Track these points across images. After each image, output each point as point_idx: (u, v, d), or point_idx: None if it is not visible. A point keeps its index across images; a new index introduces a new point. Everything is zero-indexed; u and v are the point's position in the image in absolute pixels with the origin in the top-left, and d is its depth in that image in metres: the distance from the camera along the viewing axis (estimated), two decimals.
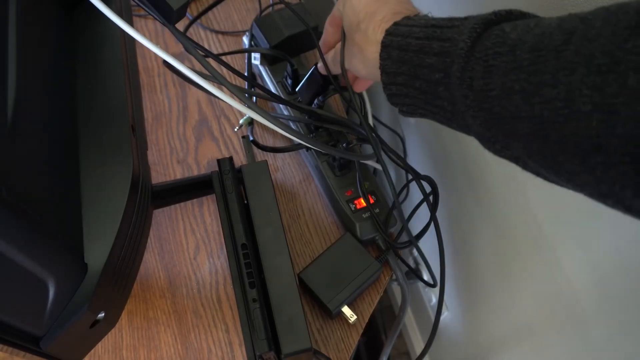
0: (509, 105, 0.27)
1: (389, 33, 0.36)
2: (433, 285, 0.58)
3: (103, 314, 0.39)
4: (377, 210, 0.58)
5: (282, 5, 0.71)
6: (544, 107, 0.24)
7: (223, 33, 0.78)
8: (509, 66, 0.26)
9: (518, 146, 0.28)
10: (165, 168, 0.66)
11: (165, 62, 0.40)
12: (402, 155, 0.77)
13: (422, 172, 0.55)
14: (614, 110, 0.21)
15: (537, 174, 0.28)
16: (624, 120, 0.21)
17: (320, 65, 0.53)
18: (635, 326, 0.41)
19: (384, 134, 0.84)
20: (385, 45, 0.36)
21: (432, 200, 0.54)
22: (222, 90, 0.42)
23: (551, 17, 0.27)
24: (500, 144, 0.29)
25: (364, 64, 0.41)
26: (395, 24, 0.36)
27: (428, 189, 0.54)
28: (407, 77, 0.34)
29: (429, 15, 0.37)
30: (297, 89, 0.60)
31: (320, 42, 0.50)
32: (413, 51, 0.34)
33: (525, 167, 0.29)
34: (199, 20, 0.78)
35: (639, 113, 0.20)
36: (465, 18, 0.32)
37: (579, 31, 0.23)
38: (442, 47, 0.31)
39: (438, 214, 0.54)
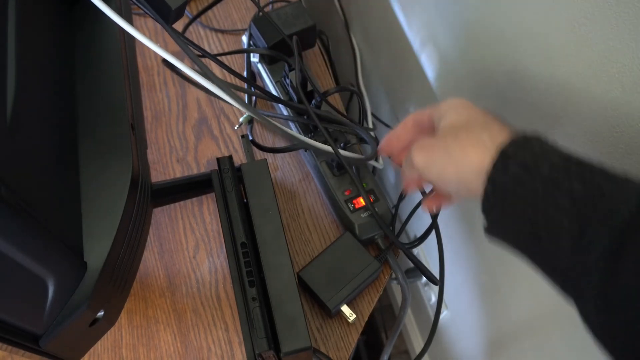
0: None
1: (513, 142, 0.29)
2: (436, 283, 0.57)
3: (102, 313, 0.39)
4: (376, 209, 0.58)
5: (282, 4, 0.71)
6: None
7: (223, 32, 0.78)
8: None
9: None
10: (165, 167, 0.66)
11: (164, 61, 0.40)
12: None
13: None
14: None
15: None
16: None
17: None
18: None
19: (384, 132, 0.84)
20: (504, 154, 0.29)
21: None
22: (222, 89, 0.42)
23: None
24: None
25: (457, 167, 0.32)
26: (526, 137, 0.29)
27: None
28: (525, 208, 0.27)
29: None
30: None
31: (392, 133, 0.42)
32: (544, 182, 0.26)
33: None
34: (198, 19, 0.78)
35: None
36: (626, 180, 0.25)
37: None
38: (597, 206, 0.25)
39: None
